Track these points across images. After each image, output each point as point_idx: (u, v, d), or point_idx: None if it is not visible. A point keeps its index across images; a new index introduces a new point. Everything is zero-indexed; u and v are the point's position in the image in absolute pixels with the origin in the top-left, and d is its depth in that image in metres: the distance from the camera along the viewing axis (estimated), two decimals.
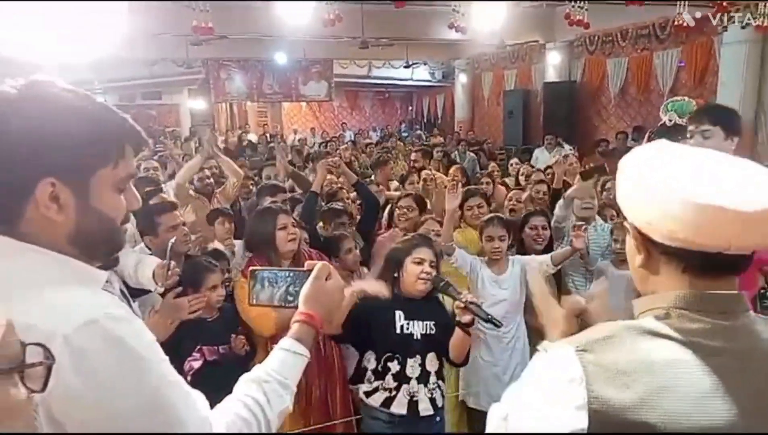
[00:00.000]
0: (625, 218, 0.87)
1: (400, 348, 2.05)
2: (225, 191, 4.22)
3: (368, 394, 2.08)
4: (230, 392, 0.97)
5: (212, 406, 0.93)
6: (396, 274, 2.10)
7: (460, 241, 3.12)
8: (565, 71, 10.41)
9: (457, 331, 2.02)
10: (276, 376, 0.97)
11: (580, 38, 9.85)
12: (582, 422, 0.74)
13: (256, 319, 2.26)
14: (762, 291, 3.20)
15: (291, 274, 1.10)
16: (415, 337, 2.08)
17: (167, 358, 0.87)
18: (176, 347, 2.14)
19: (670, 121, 5.07)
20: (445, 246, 2.85)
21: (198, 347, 2.19)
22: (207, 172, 4.46)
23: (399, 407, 2.04)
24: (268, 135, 13.30)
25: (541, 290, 1.17)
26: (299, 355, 1.01)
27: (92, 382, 0.73)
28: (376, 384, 2.07)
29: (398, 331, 2.06)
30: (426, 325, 2.11)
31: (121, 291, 2.06)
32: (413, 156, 6.49)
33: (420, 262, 2.09)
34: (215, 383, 1.10)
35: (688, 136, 2.20)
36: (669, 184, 0.76)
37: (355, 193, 3.92)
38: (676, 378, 0.75)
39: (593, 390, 0.75)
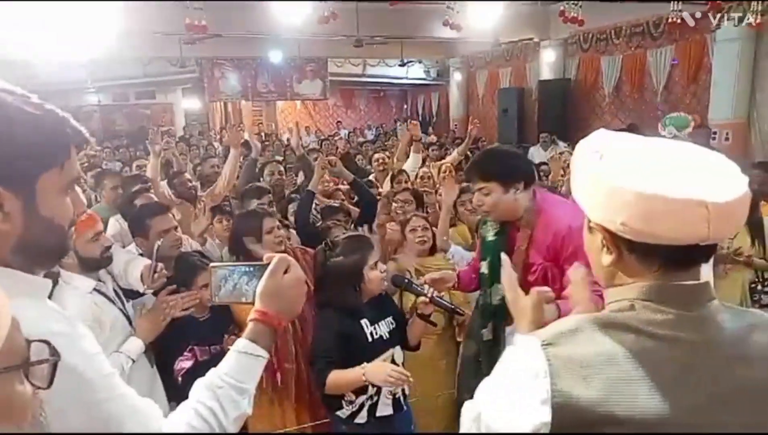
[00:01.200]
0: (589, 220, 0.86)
1: (375, 354, 2.02)
2: (213, 193, 4.12)
3: (354, 415, 2.03)
4: None
5: None
6: (356, 287, 2.03)
7: (454, 237, 3.12)
8: (559, 69, 10.43)
9: (418, 321, 2.10)
10: (230, 380, 0.94)
11: (574, 36, 9.87)
12: (546, 416, 0.75)
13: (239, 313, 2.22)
14: (752, 284, 3.22)
15: (250, 269, 1.05)
16: (384, 337, 2.07)
17: (114, 370, 0.84)
18: (167, 346, 2.13)
19: (670, 134, 5.14)
20: (442, 241, 2.84)
21: (189, 347, 2.18)
22: (188, 176, 4.35)
23: (384, 410, 2.02)
24: (263, 134, 13.27)
25: (510, 280, 1.15)
26: (254, 356, 0.97)
27: None
28: (360, 400, 2.00)
29: (369, 339, 2.03)
30: (388, 321, 2.11)
31: (115, 291, 2.08)
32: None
33: (376, 265, 2.06)
34: None
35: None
36: (642, 185, 0.75)
37: (351, 191, 3.96)
38: (638, 369, 0.76)
39: (556, 383, 0.76)
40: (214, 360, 1.01)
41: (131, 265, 2.10)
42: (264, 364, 0.99)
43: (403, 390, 2.09)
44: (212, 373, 0.96)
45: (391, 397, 2.04)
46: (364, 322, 2.04)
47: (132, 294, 2.21)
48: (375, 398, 2.01)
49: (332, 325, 2.01)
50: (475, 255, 2.45)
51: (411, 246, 2.83)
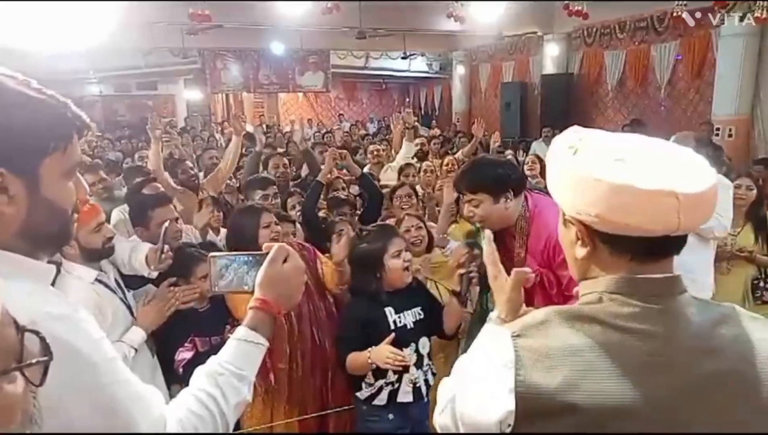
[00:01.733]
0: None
1: (397, 342, 2.06)
2: (214, 179, 4.11)
3: (372, 397, 2.10)
4: None
5: None
6: (378, 275, 2.10)
7: (456, 233, 3.12)
8: (562, 63, 10.39)
9: (452, 301, 2.10)
10: (230, 367, 0.94)
11: (578, 30, 9.82)
12: (511, 405, 0.78)
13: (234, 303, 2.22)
14: (755, 281, 3.22)
15: (250, 259, 1.05)
16: (408, 327, 2.12)
17: (117, 355, 0.84)
18: (168, 338, 2.14)
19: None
20: (439, 238, 2.84)
21: (190, 338, 2.19)
22: (189, 164, 4.33)
23: (405, 397, 2.09)
24: (264, 126, 13.24)
25: (492, 256, 1.16)
26: (255, 344, 0.98)
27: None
28: (379, 383, 2.08)
29: (392, 326, 2.08)
30: (415, 311, 2.15)
31: (116, 281, 2.08)
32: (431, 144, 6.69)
33: (398, 254, 2.10)
34: None
35: None
36: (615, 176, 0.76)
37: (354, 185, 3.97)
38: (603, 360, 0.77)
39: (520, 374, 0.78)
40: (215, 351, 1.01)
41: (135, 250, 2.13)
42: (264, 352, 0.99)
43: (426, 380, 2.15)
44: (213, 361, 0.96)
45: (411, 385, 2.10)
46: (389, 310, 2.11)
47: (133, 283, 2.22)
48: (396, 385, 2.09)
49: (355, 310, 2.15)
50: None
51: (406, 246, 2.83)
